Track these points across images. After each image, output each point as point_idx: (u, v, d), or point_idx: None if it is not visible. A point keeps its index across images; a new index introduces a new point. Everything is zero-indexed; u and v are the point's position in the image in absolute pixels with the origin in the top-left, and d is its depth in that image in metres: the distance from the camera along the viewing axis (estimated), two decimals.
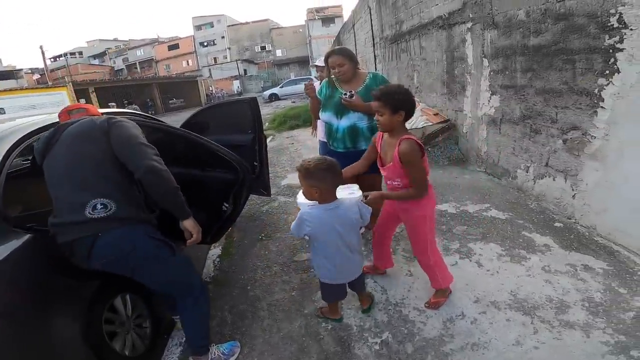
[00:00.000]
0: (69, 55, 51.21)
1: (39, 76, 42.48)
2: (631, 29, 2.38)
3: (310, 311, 2.29)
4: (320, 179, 1.74)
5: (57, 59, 52.65)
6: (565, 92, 3.00)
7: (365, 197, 1.90)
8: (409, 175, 1.92)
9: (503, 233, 2.93)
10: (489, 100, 4.15)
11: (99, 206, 1.54)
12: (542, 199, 3.42)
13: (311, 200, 1.81)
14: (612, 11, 2.48)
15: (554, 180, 3.26)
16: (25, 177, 2.31)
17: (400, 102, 1.88)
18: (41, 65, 30.59)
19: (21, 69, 42.76)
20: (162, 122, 2.62)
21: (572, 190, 3.03)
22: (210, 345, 1.94)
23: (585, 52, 2.76)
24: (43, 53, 26.66)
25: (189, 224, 1.75)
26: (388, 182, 2.08)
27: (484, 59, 4.12)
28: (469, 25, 4.33)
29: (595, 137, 2.75)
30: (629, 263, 2.41)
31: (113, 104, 14.72)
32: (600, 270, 2.36)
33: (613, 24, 2.49)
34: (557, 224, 3.00)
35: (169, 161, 1.83)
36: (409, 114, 1.93)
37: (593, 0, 2.62)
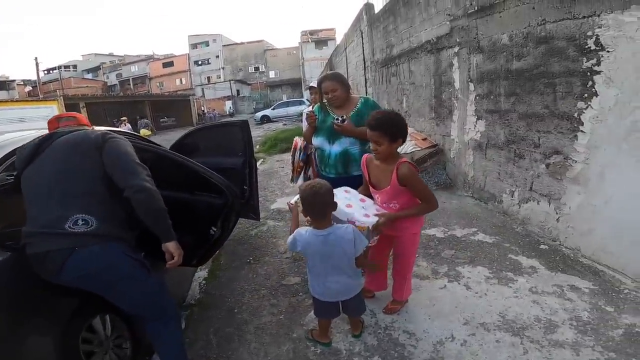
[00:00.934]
0: (63, 69, 50.93)
1: (31, 88, 41.98)
2: (608, 51, 2.46)
3: (299, 335, 2.26)
4: (305, 206, 1.80)
5: (51, 71, 52.09)
6: (547, 117, 3.09)
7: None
8: (416, 194, 1.97)
9: (490, 256, 2.97)
10: (475, 125, 4.24)
11: (80, 222, 1.52)
12: (527, 223, 3.47)
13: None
14: (589, 33, 2.57)
15: (538, 204, 3.33)
16: (8, 193, 2.27)
17: (398, 130, 1.90)
18: (35, 77, 30.21)
19: (14, 80, 42.02)
20: (152, 142, 2.62)
21: (556, 213, 3.10)
22: None
23: (565, 76, 2.85)
24: (37, 65, 26.55)
25: (172, 247, 1.72)
26: (384, 204, 2.08)
27: (470, 83, 4.23)
28: (456, 49, 4.46)
29: (576, 161, 2.84)
30: (614, 282, 2.48)
31: (124, 118, 14.72)
32: (587, 289, 2.42)
33: (590, 46, 2.58)
34: (542, 247, 3.06)
35: (158, 183, 1.82)
36: (404, 140, 1.97)
37: (571, 23, 2.71)
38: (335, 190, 1.89)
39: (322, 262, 1.86)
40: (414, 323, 2.23)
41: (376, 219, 1.93)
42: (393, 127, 1.89)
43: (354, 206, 1.97)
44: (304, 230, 1.86)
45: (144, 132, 16.58)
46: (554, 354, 1.88)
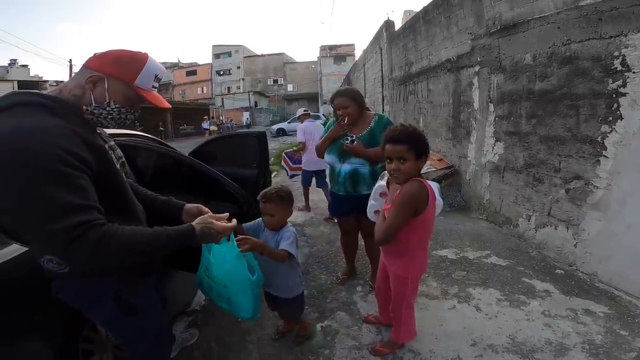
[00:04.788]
0: None
1: None
2: (634, 72, 2.40)
3: (302, 348, 2.22)
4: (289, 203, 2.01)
5: None
6: (568, 140, 3.02)
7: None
8: (389, 213, 1.70)
9: (503, 279, 2.89)
10: (493, 147, 4.18)
11: (54, 262, 1.14)
12: (543, 247, 3.37)
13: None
14: (616, 54, 2.52)
15: (555, 229, 3.23)
16: None
17: (424, 145, 1.67)
18: (67, 79, 30.72)
19: (47, 81, 42.56)
20: (171, 148, 2.65)
21: (574, 239, 3.01)
22: None
23: (589, 97, 2.79)
24: (71, 67, 26.62)
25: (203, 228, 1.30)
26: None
27: (490, 103, 4.18)
28: (477, 69, 4.42)
29: (597, 187, 2.76)
30: (630, 307, 2.43)
31: (206, 117, 15.49)
32: (602, 314, 2.36)
33: (616, 67, 2.53)
34: (558, 271, 2.98)
35: (175, 187, 1.80)
36: (426, 160, 1.74)
37: (597, 43, 2.67)
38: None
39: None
40: (420, 342, 2.16)
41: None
42: (420, 142, 1.65)
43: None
44: (293, 228, 1.99)
45: (213, 128, 23.83)
46: None
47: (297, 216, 5.01)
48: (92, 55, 1.20)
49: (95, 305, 1.30)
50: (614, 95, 2.57)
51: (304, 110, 5.38)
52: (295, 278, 2.08)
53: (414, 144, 1.63)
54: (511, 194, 3.89)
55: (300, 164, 5.13)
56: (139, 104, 1.25)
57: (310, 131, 4.95)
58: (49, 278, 1.24)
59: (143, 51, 1.24)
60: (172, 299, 2.71)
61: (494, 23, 3.97)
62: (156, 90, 1.27)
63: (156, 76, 1.24)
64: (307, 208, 5.27)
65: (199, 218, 1.32)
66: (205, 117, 28.17)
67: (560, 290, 2.68)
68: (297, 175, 5.45)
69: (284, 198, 1.96)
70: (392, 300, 2.00)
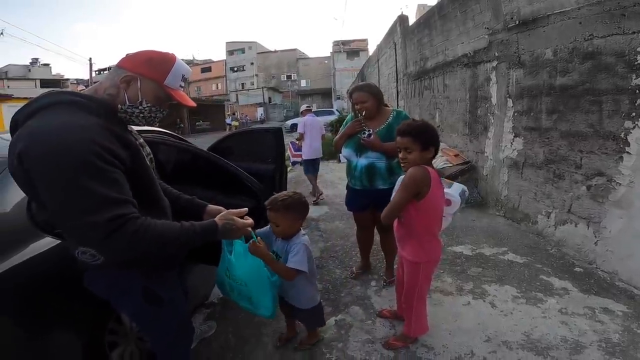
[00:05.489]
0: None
1: (84, 87, 43.59)
2: None
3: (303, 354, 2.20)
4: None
5: (102, 72, 54.82)
6: (590, 136, 2.96)
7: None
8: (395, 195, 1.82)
9: (520, 276, 2.85)
10: (511, 143, 4.10)
11: (88, 255, 1.20)
12: (562, 245, 3.31)
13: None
14: (639, 49, 2.47)
15: (576, 226, 3.17)
16: None
17: (431, 137, 1.78)
18: (88, 77, 30.87)
19: (68, 79, 42.85)
20: (190, 143, 2.70)
21: (595, 237, 2.95)
22: None
23: (612, 93, 2.73)
24: (91, 65, 26.74)
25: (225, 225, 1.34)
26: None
27: (508, 99, 4.11)
28: (495, 64, 4.35)
29: (620, 184, 2.70)
30: None
31: (230, 113, 16.03)
32: (620, 312, 2.33)
33: None
34: (577, 269, 2.93)
35: (195, 182, 1.81)
36: (437, 152, 1.83)
37: (621, 38, 2.62)
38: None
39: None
40: (434, 337, 2.16)
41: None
42: (426, 134, 1.77)
43: None
44: (305, 239, 1.88)
45: (234, 123, 26.64)
46: None
47: (311, 211, 5.02)
48: (124, 55, 1.25)
49: (125, 298, 1.35)
50: (638, 91, 2.51)
51: (307, 107, 6.30)
52: (309, 291, 1.98)
53: (419, 136, 1.76)
54: (530, 190, 3.83)
55: (301, 151, 5.89)
56: (167, 103, 1.30)
57: (309, 124, 5.75)
58: (81, 270, 1.30)
59: (170, 52, 1.28)
60: (192, 292, 2.78)
61: (512, 18, 3.90)
62: (182, 89, 1.31)
63: (183, 76, 1.29)
64: (318, 193, 5.61)
65: (220, 214, 1.38)
66: (228, 113, 32.60)
67: (578, 289, 2.63)
68: (297, 162, 6.27)
69: (290, 207, 1.80)
70: (405, 289, 2.02)
